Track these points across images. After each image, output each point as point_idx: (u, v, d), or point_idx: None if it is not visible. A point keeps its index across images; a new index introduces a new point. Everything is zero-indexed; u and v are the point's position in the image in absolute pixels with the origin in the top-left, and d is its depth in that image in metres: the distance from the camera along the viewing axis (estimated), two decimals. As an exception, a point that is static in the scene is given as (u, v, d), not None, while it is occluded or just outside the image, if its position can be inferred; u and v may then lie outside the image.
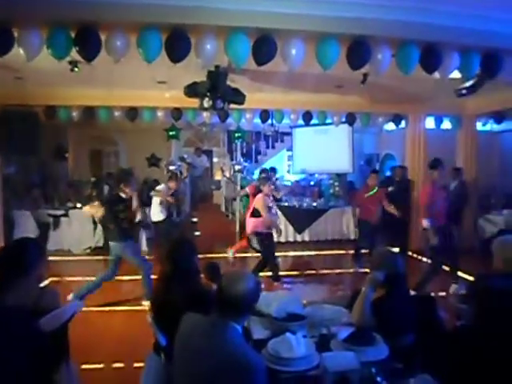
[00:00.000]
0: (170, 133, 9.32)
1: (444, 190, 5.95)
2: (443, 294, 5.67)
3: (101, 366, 3.85)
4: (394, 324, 2.37)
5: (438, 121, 8.70)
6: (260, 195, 6.20)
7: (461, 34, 4.01)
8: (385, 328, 2.32)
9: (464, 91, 5.38)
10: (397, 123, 8.66)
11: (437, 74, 4.33)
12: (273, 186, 6.68)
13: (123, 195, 5.35)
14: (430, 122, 8.80)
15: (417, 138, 8.62)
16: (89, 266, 6.17)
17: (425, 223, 5.59)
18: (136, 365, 3.67)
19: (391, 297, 2.53)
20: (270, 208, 6.14)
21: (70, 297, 5.05)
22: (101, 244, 8.25)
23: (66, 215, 8.44)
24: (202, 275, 3.34)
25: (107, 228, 6.16)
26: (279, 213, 8.96)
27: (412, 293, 3.68)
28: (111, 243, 5.37)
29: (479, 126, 8.84)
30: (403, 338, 2.38)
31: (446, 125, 8.84)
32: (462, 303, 2.77)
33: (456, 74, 4.53)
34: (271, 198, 6.37)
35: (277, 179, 9.88)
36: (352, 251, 7.38)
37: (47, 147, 10.23)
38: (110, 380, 3.63)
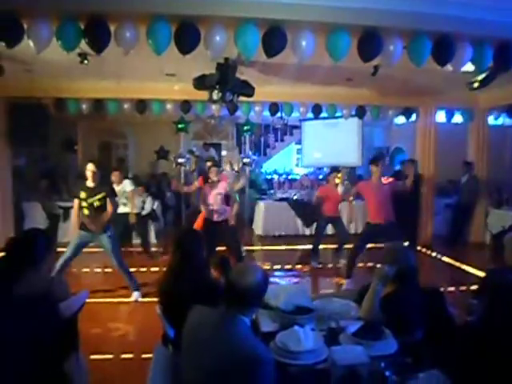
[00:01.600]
0: (179, 125, 9.33)
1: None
2: (452, 288, 5.63)
3: (109, 356, 3.88)
4: (403, 320, 2.35)
5: (449, 114, 8.60)
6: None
7: (474, 26, 3.95)
8: (394, 323, 2.30)
9: (476, 84, 5.31)
10: (407, 116, 8.58)
11: (449, 67, 4.27)
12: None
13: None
14: (440, 116, 8.70)
15: (427, 131, 8.51)
16: (98, 258, 6.20)
17: None
18: (144, 356, 3.70)
19: (402, 292, 2.50)
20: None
21: None
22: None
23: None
24: (212, 268, 3.35)
25: None
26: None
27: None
28: None
29: (491, 119, 8.72)
30: (413, 333, 2.36)
31: (457, 118, 8.74)
32: (473, 298, 2.75)
33: (468, 67, 4.46)
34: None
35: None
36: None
37: (57, 139, 10.30)
38: (119, 370, 3.65)
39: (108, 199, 5.16)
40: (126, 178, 7.57)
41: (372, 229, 5.69)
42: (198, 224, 6.42)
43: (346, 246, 6.85)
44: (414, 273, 2.63)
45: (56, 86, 7.06)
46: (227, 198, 6.10)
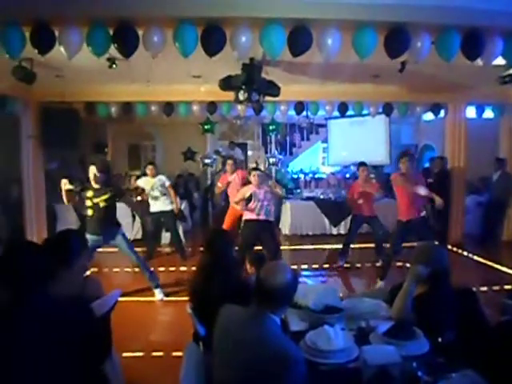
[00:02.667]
0: (205, 126, 9.42)
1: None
2: (485, 288, 5.50)
3: (140, 354, 3.95)
4: (435, 320, 2.31)
5: (480, 110, 8.38)
6: None
7: (504, 18, 3.83)
8: (427, 324, 2.27)
9: (507, 78, 5.17)
10: (436, 113, 8.39)
11: (479, 61, 4.16)
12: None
13: None
14: (470, 111, 8.49)
15: (457, 127, 8.31)
16: (127, 258, 6.33)
17: None
18: (175, 354, 3.76)
19: (434, 293, 2.45)
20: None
21: None
22: (139, 236, 8.46)
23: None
24: (249, 264, 3.37)
25: None
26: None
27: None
28: None
29: (524, 114, 8.46)
30: (445, 334, 2.32)
31: (488, 114, 8.51)
32: (507, 298, 2.69)
33: (499, 61, 4.34)
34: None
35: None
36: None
37: (87, 142, 10.53)
38: (150, 368, 3.72)
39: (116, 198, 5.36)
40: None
41: (404, 226, 5.58)
42: (227, 224, 6.47)
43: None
44: (448, 273, 2.58)
45: (86, 90, 7.24)
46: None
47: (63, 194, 5.16)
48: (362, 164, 7.00)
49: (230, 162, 7.11)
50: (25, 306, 1.81)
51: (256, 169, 6.18)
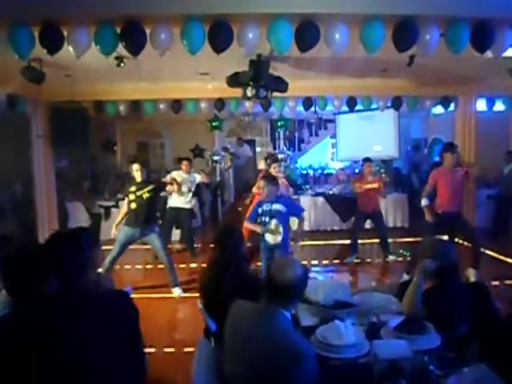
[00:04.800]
0: (213, 123, 9.44)
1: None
2: (496, 282, 5.47)
3: (153, 350, 3.99)
4: (446, 314, 2.31)
5: (490, 102, 8.28)
6: None
7: (515, 9, 3.79)
8: (437, 319, 2.26)
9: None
10: (445, 106, 8.30)
11: (489, 53, 4.12)
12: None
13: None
14: (481, 104, 8.39)
15: (467, 120, 8.22)
16: (138, 255, 6.38)
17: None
18: (186, 349, 3.79)
19: (444, 287, 2.45)
20: None
21: None
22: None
23: (116, 206, 8.74)
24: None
25: None
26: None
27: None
28: None
29: (535, 106, 8.35)
30: (456, 328, 2.32)
31: (499, 107, 8.41)
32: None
33: (509, 53, 4.29)
34: None
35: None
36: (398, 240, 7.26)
37: (96, 141, 10.61)
38: (162, 364, 3.75)
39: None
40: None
41: (444, 218, 5.61)
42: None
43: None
44: (456, 267, 2.58)
45: (95, 89, 7.28)
46: None
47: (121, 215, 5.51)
48: (366, 160, 7.00)
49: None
50: (78, 292, 1.85)
51: (276, 160, 5.92)
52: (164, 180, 6.48)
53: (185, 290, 5.52)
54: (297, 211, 4.90)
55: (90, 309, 1.81)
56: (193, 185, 7.21)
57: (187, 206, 7.25)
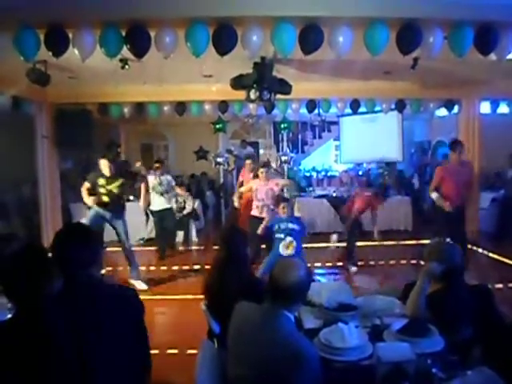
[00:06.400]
0: (217, 126, 9.46)
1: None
2: (500, 285, 5.45)
3: (156, 351, 3.98)
4: (450, 318, 2.30)
5: (494, 105, 8.27)
6: None
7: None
8: (442, 321, 2.26)
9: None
10: (449, 108, 8.31)
11: (493, 56, 4.12)
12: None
13: None
14: (485, 106, 8.38)
15: (471, 123, 8.21)
16: (142, 257, 6.39)
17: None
18: (189, 351, 3.79)
19: (449, 290, 2.44)
20: None
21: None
22: (153, 235, 8.50)
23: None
24: None
25: None
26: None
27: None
28: None
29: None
30: (460, 331, 2.31)
31: (503, 109, 8.39)
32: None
33: (513, 55, 4.29)
34: None
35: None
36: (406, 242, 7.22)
37: (101, 143, 10.64)
38: (165, 366, 3.74)
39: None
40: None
41: (452, 213, 5.68)
42: (242, 221, 6.51)
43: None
44: (461, 270, 2.57)
45: (99, 91, 7.32)
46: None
47: (85, 194, 5.59)
48: (362, 186, 7.03)
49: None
50: (83, 286, 1.84)
51: (265, 165, 6.22)
52: (133, 170, 7.03)
53: (186, 292, 5.52)
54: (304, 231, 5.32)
55: (96, 304, 1.81)
56: (169, 186, 7.34)
57: (169, 206, 7.41)
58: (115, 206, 5.65)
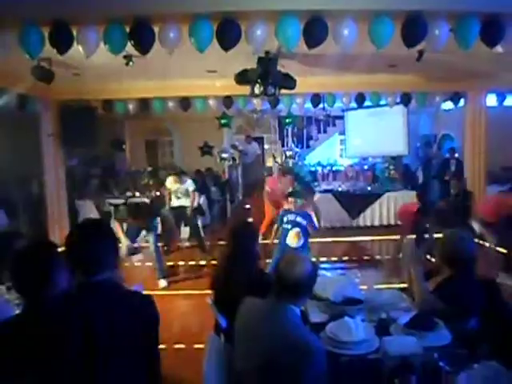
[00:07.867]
0: (222, 121, 9.44)
1: None
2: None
3: (163, 346, 4.00)
4: (459, 305, 2.29)
5: (501, 97, 8.19)
6: None
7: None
8: (449, 309, 2.25)
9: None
10: (455, 102, 8.24)
11: (499, 48, 4.08)
12: None
13: None
14: (491, 99, 8.30)
15: (477, 116, 8.14)
16: (148, 253, 6.41)
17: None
18: (196, 346, 3.81)
19: (458, 278, 2.44)
20: None
21: None
22: (158, 231, 8.54)
23: (125, 204, 8.78)
24: None
25: None
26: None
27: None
28: None
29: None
30: (467, 321, 2.31)
31: (510, 102, 8.31)
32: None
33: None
34: None
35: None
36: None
37: (106, 139, 10.68)
38: (172, 360, 3.76)
39: None
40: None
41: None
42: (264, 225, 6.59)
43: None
44: (471, 262, 2.55)
45: (103, 87, 7.33)
46: None
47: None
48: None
49: None
50: (97, 286, 1.78)
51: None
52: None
53: (193, 287, 5.55)
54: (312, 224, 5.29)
55: (108, 308, 1.74)
56: (188, 191, 7.31)
57: (188, 204, 7.36)
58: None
